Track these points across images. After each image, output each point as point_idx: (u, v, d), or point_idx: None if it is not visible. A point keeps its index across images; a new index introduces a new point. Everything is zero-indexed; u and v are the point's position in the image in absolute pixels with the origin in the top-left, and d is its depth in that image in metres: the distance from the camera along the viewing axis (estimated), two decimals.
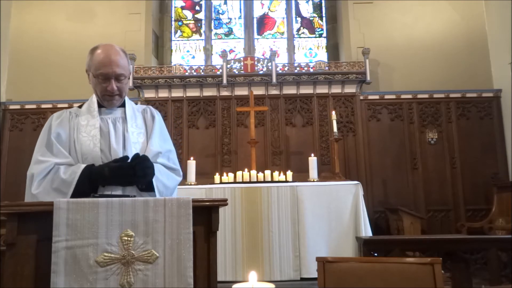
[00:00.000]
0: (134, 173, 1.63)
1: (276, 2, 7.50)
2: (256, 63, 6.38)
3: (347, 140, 6.17)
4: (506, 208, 5.27)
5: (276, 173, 5.08)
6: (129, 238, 1.36)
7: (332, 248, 4.44)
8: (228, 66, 6.34)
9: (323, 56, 7.24)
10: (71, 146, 1.76)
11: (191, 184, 4.89)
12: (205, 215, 1.47)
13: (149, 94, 6.39)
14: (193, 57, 7.31)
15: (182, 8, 7.54)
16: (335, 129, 5.49)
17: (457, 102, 6.29)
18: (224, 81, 6.24)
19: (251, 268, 4.05)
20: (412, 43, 6.55)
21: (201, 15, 7.49)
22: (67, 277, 1.31)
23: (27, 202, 1.55)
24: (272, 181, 4.88)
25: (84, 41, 5.92)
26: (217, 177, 5.32)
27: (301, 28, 7.43)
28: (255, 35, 7.36)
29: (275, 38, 7.40)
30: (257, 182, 4.88)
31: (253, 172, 5.04)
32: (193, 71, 6.38)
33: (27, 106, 6.38)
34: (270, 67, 6.29)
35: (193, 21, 7.50)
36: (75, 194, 1.60)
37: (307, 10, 7.50)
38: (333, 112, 5.70)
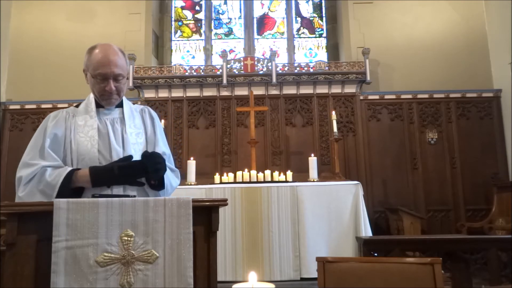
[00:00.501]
0: (146, 169, 1.65)
1: (276, 2, 7.50)
2: (256, 63, 6.38)
3: (347, 140, 6.17)
4: (506, 208, 5.27)
5: (276, 173, 5.08)
6: (129, 238, 1.35)
7: (332, 248, 4.44)
8: (228, 66, 6.34)
9: (323, 56, 7.25)
10: (66, 147, 1.74)
11: (191, 184, 4.89)
12: (205, 215, 1.47)
13: (149, 94, 6.39)
14: (193, 57, 7.31)
15: (182, 8, 7.54)
16: (335, 129, 5.50)
17: (457, 102, 6.29)
18: (224, 81, 6.24)
19: (251, 268, 4.05)
20: (412, 43, 6.55)
21: (201, 15, 7.49)
22: (67, 277, 1.31)
23: (27, 202, 1.55)
24: (272, 181, 4.88)
25: (84, 41, 5.87)
26: (217, 177, 5.32)
27: (301, 28, 7.43)
28: (255, 35, 7.36)
29: (275, 38, 7.40)
30: (257, 182, 4.88)
31: (253, 172, 5.04)
32: (193, 71, 6.38)
33: (27, 106, 6.38)
34: (270, 67, 6.29)
35: (193, 21, 7.50)
36: (58, 197, 1.57)
37: (307, 10, 7.50)
38: (333, 112, 5.70)
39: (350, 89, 6.33)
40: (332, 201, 4.57)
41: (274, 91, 6.37)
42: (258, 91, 6.27)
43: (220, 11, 7.53)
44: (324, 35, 7.36)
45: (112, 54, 1.77)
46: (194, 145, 6.23)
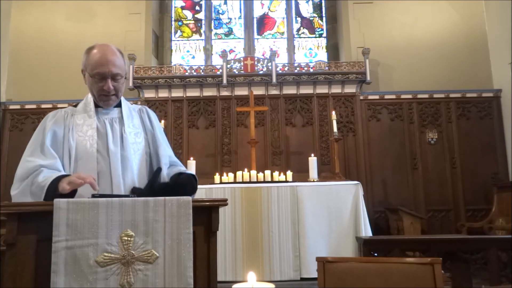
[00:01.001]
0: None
1: (276, 2, 7.50)
2: (256, 63, 6.38)
3: (347, 140, 6.17)
4: (506, 208, 5.27)
5: (276, 173, 5.08)
6: (129, 238, 1.35)
7: (332, 248, 4.44)
8: (228, 66, 6.34)
9: (323, 56, 7.24)
10: (65, 146, 1.74)
11: None
12: (205, 215, 1.47)
13: (149, 94, 6.39)
14: (193, 57, 7.31)
15: (182, 8, 7.54)
16: (335, 129, 5.50)
17: (457, 102, 6.29)
18: (224, 81, 6.24)
19: (251, 268, 4.05)
20: (412, 43, 6.55)
21: (201, 15, 7.49)
22: (67, 277, 1.31)
23: (27, 202, 1.54)
24: (272, 181, 4.88)
25: (84, 41, 5.85)
26: (217, 177, 5.32)
27: (301, 28, 7.43)
28: (255, 35, 7.36)
29: (275, 38, 7.40)
30: (257, 182, 4.88)
31: (253, 172, 5.04)
32: (193, 71, 6.38)
33: (27, 106, 6.38)
34: (270, 67, 6.29)
35: (193, 21, 7.50)
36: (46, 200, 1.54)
37: (307, 10, 7.50)
38: (333, 112, 5.70)
39: (350, 89, 6.33)
40: (332, 201, 4.57)
41: (274, 91, 6.37)
42: (258, 91, 6.27)
43: (220, 11, 7.53)
44: (324, 35, 7.36)
45: (110, 54, 1.77)
46: (194, 145, 6.23)
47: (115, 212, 1.37)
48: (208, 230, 1.46)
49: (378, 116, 6.29)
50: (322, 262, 1.77)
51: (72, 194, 1.57)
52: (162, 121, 5.82)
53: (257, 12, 7.46)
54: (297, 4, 7.49)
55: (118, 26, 6.61)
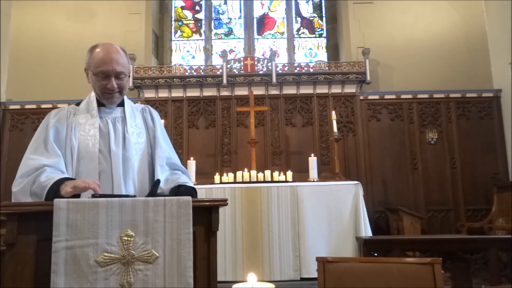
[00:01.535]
0: None
1: (276, 2, 7.50)
2: (256, 63, 6.38)
3: (347, 140, 6.17)
4: (506, 208, 5.27)
5: (276, 173, 5.08)
6: (129, 238, 1.35)
7: (332, 248, 4.44)
8: (228, 66, 6.34)
9: (323, 56, 7.25)
10: (67, 145, 1.73)
11: None
12: (205, 215, 1.46)
13: (149, 94, 6.39)
14: (193, 57, 7.31)
15: (182, 8, 7.54)
16: (335, 129, 5.49)
17: (457, 102, 6.29)
18: (224, 81, 6.24)
19: (251, 268, 4.06)
20: (412, 43, 6.55)
21: (201, 15, 7.49)
22: (67, 277, 1.31)
23: (27, 202, 1.54)
24: (272, 181, 4.88)
25: (84, 41, 5.89)
26: (217, 177, 5.32)
27: (301, 28, 7.43)
28: (255, 35, 7.36)
29: (275, 38, 7.40)
30: (257, 182, 4.88)
31: (253, 172, 5.04)
32: (193, 71, 6.38)
33: (27, 106, 6.39)
34: (270, 67, 6.29)
35: (193, 21, 7.50)
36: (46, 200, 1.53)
37: (307, 10, 7.50)
38: (333, 112, 5.70)
39: (350, 89, 6.33)
40: (332, 201, 4.57)
41: (274, 91, 6.37)
42: (258, 91, 6.27)
43: (220, 11, 7.53)
44: (324, 35, 7.36)
45: (114, 52, 1.77)
46: (194, 145, 6.23)
47: (115, 212, 1.37)
48: (208, 230, 1.46)
49: (378, 116, 6.29)
50: (322, 262, 1.77)
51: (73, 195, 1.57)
52: (162, 121, 5.80)
53: (257, 12, 7.47)
54: (297, 4, 7.49)
55: (118, 26, 6.62)
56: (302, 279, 4.34)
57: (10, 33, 6.60)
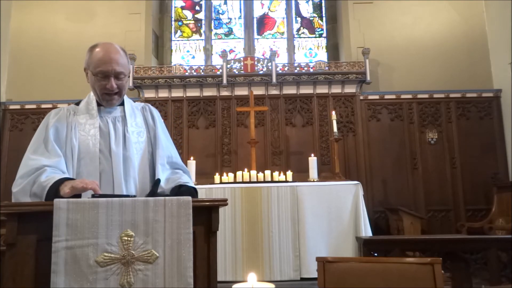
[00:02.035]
0: None
1: (276, 2, 7.50)
2: (256, 63, 6.38)
3: (347, 140, 6.17)
4: (506, 208, 5.27)
5: (276, 173, 5.08)
6: (129, 238, 1.35)
7: (332, 248, 4.43)
8: (228, 66, 6.34)
9: (323, 56, 7.25)
10: (67, 145, 1.73)
11: None
12: (205, 215, 1.46)
13: (149, 94, 6.39)
14: (193, 57, 7.31)
15: (182, 8, 7.54)
16: (335, 129, 5.49)
17: (457, 102, 6.29)
18: (224, 81, 6.24)
19: (251, 268, 4.06)
20: (412, 43, 6.55)
21: (201, 15, 7.49)
22: (67, 277, 1.31)
23: (27, 202, 1.54)
24: (272, 181, 4.88)
25: (84, 41, 5.88)
26: (217, 177, 5.32)
27: (301, 28, 7.43)
28: (255, 35, 7.36)
29: (275, 38, 7.40)
30: (257, 182, 4.88)
31: (253, 172, 5.04)
32: (193, 71, 6.38)
33: (27, 106, 6.39)
34: (270, 67, 6.29)
35: (193, 21, 7.50)
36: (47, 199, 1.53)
37: (307, 10, 7.50)
38: (333, 112, 5.70)
39: (350, 89, 6.33)
40: (332, 201, 4.57)
41: (274, 91, 6.37)
42: (258, 91, 6.27)
43: (220, 11, 7.53)
44: (324, 35, 7.36)
45: (114, 52, 1.76)
46: (194, 145, 6.23)
47: (115, 212, 1.36)
48: (208, 230, 1.46)
49: (378, 116, 6.29)
50: (322, 262, 1.77)
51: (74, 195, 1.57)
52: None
53: (257, 12, 7.47)
54: (297, 4, 7.49)
55: (118, 26, 6.61)
56: (302, 279, 4.34)
57: (10, 33, 6.60)
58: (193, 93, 6.39)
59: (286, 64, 6.46)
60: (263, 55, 7.11)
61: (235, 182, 4.97)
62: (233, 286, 1.43)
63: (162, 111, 6.27)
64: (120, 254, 1.34)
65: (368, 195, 5.77)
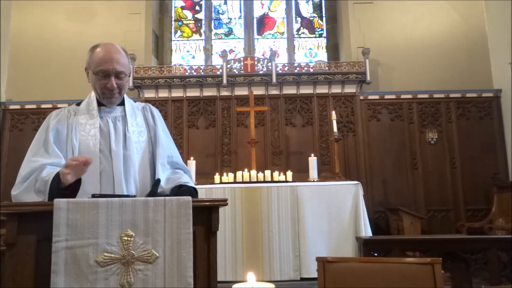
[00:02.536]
0: None
1: (276, 2, 7.50)
2: (256, 63, 6.38)
3: (347, 140, 6.17)
4: (506, 208, 5.27)
5: (276, 173, 5.08)
6: (129, 238, 1.35)
7: (332, 248, 4.43)
8: (228, 66, 6.34)
9: (323, 56, 7.24)
10: (68, 145, 1.74)
11: None
12: (205, 215, 1.47)
13: (149, 94, 6.39)
14: (193, 57, 7.31)
15: (182, 8, 7.54)
16: (335, 129, 5.49)
17: (457, 102, 6.29)
18: (224, 81, 6.24)
19: (251, 268, 4.06)
20: (412, 43, 6.55)
21: (201, 15, 7.49)
22: (67, 277, 1.31)
23: (27, 202, 1.54)
24: (272, 181, 4.88)
25: (84, 41, 5.91)
26: (217, 177, 5.32)
27: (301, 28, 7.43)
28: (255, 35, 7.36)
29: (275, 38, 7.40)
30: (257, 182, 4.88)
31: (253, 172, 5.04)
32: (193, 71, 6.38)
33: (27, 106, 6.39)
34: (270, 67, 6.29)
35: (193, 21, 7.50)
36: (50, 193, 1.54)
37: (307, 10, 7.50)
38: (333, 112, 5.70)
39: (350, 89, 6.33)
40: (332, 201, 4.57)
41: (274, 91, 6.37)
42: (258, 91, 6.27)
43: (220, 11, 7.53)
44: (324, 35, 7.36)
45: (115, 52, 1.77)
46: (194, 145, 6.23)
47: (115, 212, 1.37)
48: (208, 230, 1.46)
49: (378, 116, 6.29)
50: (322, 262, 1.77)
51: (74, 191, 1.58)
52: None
53: (257, 12, 7.47)
54: (297, 4, 7.49)
55: (118, 26, 6.61)
56: (302, 279, 4.34)
57: (10, 33, 6.60)
58: (193, 93, 6.39)
59: (286, 64, 6.46)
60: (263, 55, 7.11)
61: (235, 182, 4.97)
62: (233, 286, 1.43)
63: (162, 111, 6.26)
64: (120, 254, 1.34)
65: (368, 195, 5.77)
